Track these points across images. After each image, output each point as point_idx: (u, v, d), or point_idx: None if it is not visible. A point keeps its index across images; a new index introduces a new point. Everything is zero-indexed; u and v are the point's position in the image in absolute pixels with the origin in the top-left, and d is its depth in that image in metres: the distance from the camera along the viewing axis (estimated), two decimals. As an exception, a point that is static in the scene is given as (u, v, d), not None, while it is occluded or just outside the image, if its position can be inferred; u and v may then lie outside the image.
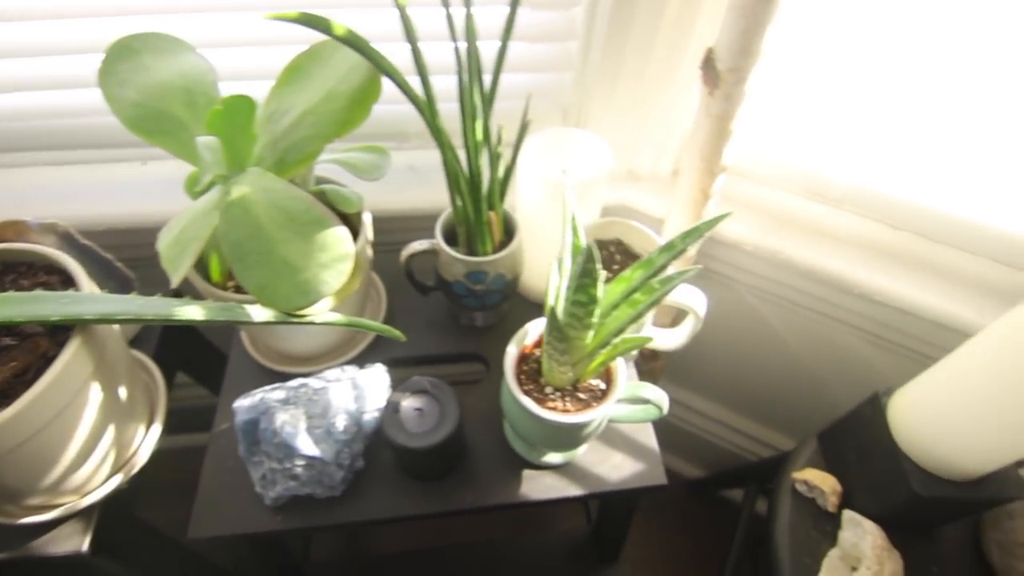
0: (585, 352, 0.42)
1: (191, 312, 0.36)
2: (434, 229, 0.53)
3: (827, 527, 0.55)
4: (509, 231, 0.54)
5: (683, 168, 0.57)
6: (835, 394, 0.79)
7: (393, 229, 0.69)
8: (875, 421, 0.52)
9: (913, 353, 0.66)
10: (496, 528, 1.05)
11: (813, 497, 0.57)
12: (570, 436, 0.46)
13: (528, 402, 0.43)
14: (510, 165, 0.49)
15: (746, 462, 0.98)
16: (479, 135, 0.46)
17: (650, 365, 0.76)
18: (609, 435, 0.55)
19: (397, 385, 0.49)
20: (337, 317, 0.42)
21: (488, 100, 0.46)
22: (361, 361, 0.56)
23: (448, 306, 0.63)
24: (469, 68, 0.44)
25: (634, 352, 0.59)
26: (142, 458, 0.51)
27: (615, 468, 0.53)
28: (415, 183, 0.68)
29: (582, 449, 0.54)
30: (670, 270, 0.40)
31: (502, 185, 0.50)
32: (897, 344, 0.67)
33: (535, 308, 0.63)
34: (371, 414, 0.50)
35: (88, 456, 0.46)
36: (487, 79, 0.46)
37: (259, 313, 0.39)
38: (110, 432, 0.47)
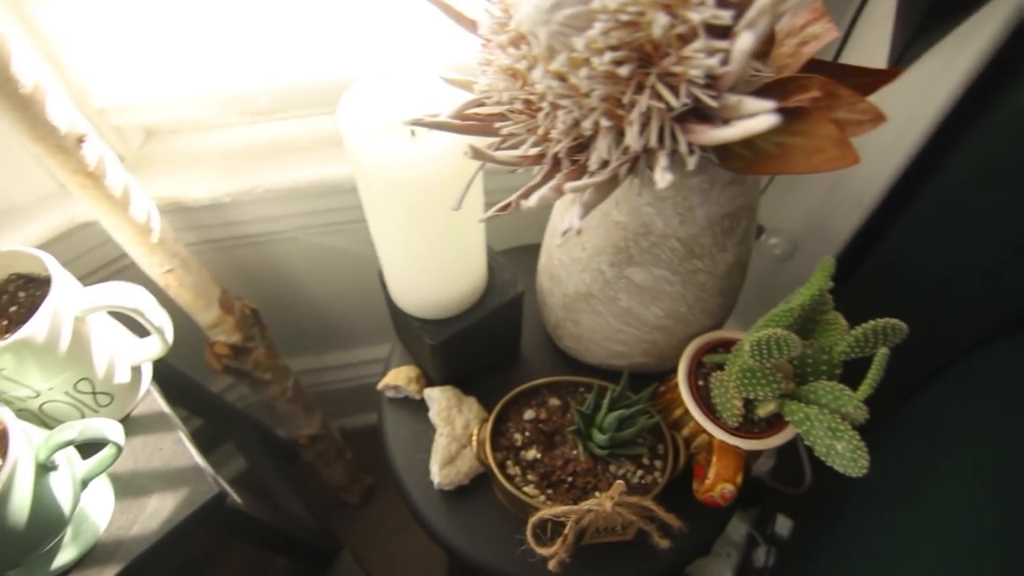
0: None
1: None
2: None
3: (425, 415, 0.54)
4: None
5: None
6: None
7: None
8: (387, 297, 0.50)
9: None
10: None
11: (403, 396, 0.55)
12: (14, 532, 0.35)
13: None
14: None
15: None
16: None
17: (248, 360, 0.67)
18: (135, 483, 0.45)
19: None
20: None
21: None
22: None
23: None
24: None
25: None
26: None
27: (156, 513, 0.44)
28: None
29: (101, 519, 0.43)
30: None
31: None
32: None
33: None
34: None
35: None
36: None
37: None
38: None
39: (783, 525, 0.93)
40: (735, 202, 0.39)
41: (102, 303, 0.42)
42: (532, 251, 0.63)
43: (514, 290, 0.49)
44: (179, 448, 0.47)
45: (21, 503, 0.35)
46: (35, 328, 0.38)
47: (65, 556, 0.41)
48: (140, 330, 0.51)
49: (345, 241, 0.72)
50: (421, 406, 0.54)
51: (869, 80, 0.33)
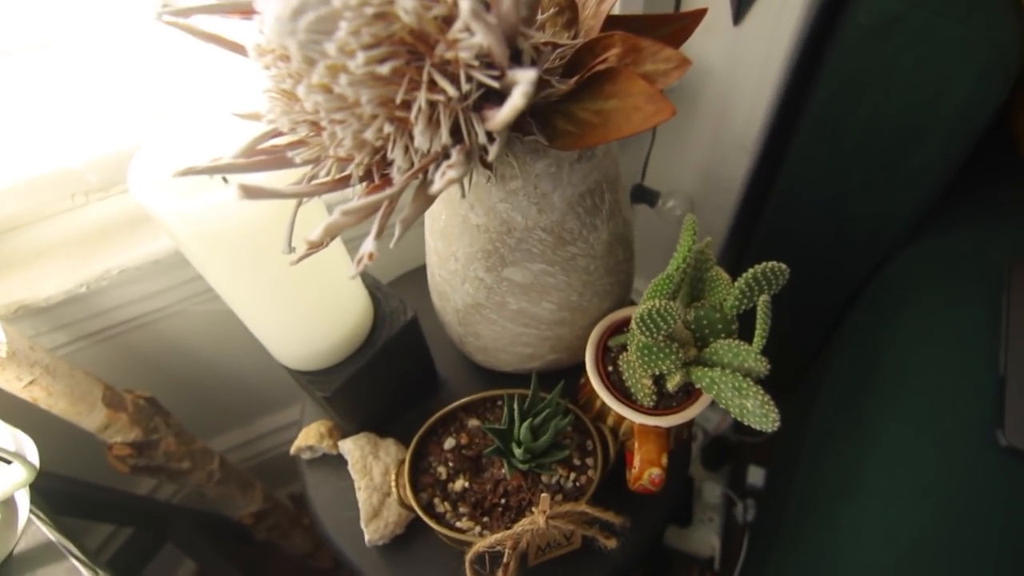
0: None
1: None
2: None
3: (346, 470, 0.50)
4: None
5: None
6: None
7: None
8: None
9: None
10: None
11: (320, 454, 0.51)
12: None
13: None
14: None
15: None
16: None
17: (157, 454, 0.62)
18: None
19: None
20: None
21: None
22: None
23: None
24: None
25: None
26: None
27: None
28: None
29: None
30: None
31: None
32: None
33: None
34: None
35: None
36: None
37: None
38: None
39: (756, 475, 0.93)
40: (590, 178, 0.38)
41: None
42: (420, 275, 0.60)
43: (404, 318, 0.46)
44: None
45: None
46: None
47: None
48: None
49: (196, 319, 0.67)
50: (342, 460, 0.50)
51: (679, 27, 0.31)
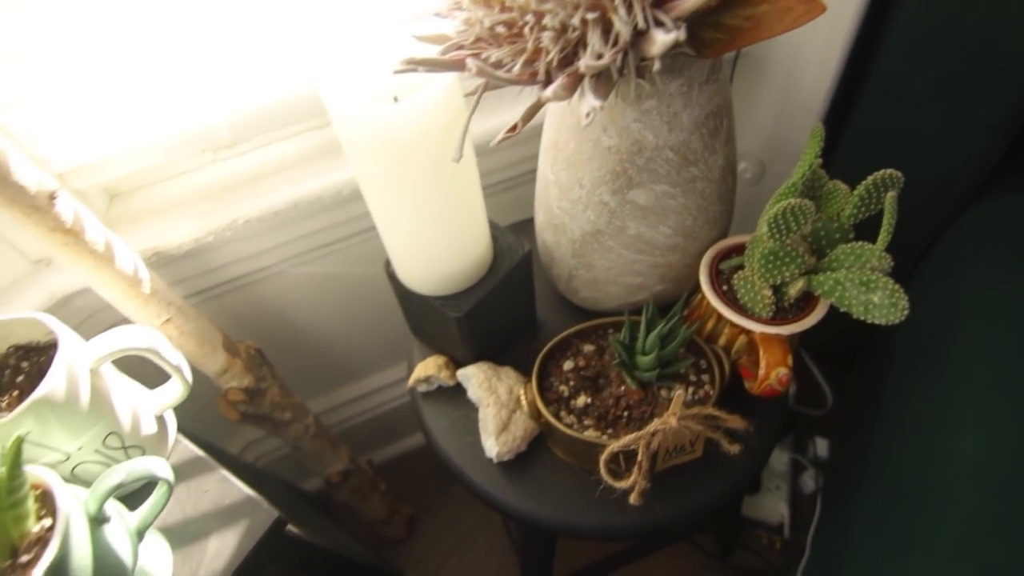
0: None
1: None
2: None
3: (463, 398, 0.53)
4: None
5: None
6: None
7: None
8: (402, 290, 0.50)
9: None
10: None
11: (436, 386, 0.54)
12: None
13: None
14: None
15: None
16: None
17: (264, 402, 0.65)
18: (188, 531, 0.43)
19: None
20: None
21: None
22: None
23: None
24: None
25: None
26: None
27: (219, 553, 0.41)
28: None
29: (163, 571, 0.41)
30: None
31: None
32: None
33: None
34: None
35: None
36: None
37: None
38: None
39: (820, 446, 0.94)
40: (714, 101, 0.41)
41: (115, 348, 0.41)
42: (519, 228, 0.63)
43: (521, 250, 0.50)
44: (225, 485, 0.45)
45: (82, 562, 0.33)
46: (52, 385, 0.37)
47: (133, 620, 0.39)
48: (152, 384, 0.49)
49: (332, 265, 0.71)
50: (455, 392, 0.53)
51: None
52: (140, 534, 0.38)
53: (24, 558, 0.32)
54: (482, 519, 0.99)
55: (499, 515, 0.91)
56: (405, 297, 0.51)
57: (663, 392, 0.46)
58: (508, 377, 0.50)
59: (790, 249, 0.40)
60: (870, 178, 0.39)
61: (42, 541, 0.32)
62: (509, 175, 0.69)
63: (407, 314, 0.55)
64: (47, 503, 0.34)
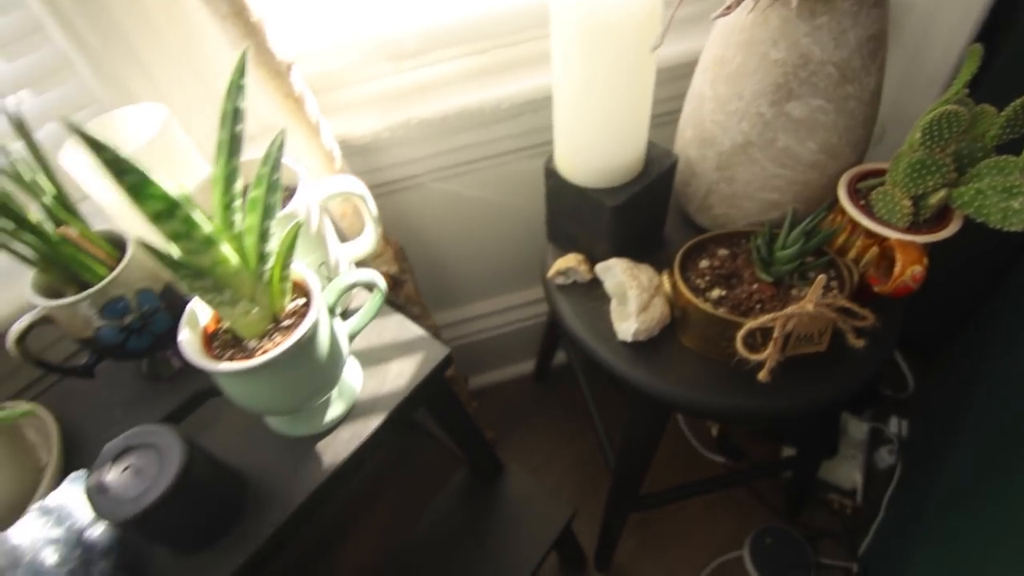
0: (244, 277, 0.37)
1: None
2: (29, 299, 0.42)
3: (597, 291, 0.59)
4: (115, 243, 0.45)
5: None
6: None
7: None
8: (558, 182, 0.56)
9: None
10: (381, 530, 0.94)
11: (572, 280, 0.60)
12: (311, 370, 0.40)
13: (226, 365, 0.36)
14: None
15: (541, 322, 1.02)
16: None
17: (402, 293, 0.73)
18: (373, 356, 0.50)
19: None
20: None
21: None
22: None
23: (142, 373, 0.51)
24: None
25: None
26: None
27: (401, 373, 0.49)
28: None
29: (356, 383, 0.48)
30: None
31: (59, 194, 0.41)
32: (547, 143, 0.74)
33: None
34: (97, 527, 0.38)
35: None
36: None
37: None
38: None
39: (898, 426, 0.96)
40: (876, 24, 0.46)
41: (339, 190, 0.49)
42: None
43: (669, 160, 0.56)
44: (404, 325, 0.52)
45: (323, 337, 0.40)
46: (297, 205, 0.45)
47: (334, 411, 0.46)
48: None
49: (464, 185, 0.78)
50: (589, 287, 0.59)
51: None
52: (352, 337, 0.45)
53: (286, 323, 0.40)
54: (551, 457, 1.04)
55: (571, 451, 0.96)
56: (558, 193, 0.57)
57: (794, 291, 0.51)
58: (647, 270, 0.56)
59: (937, 159, 0.44)
60: (1020, 100, 0.43)
61: (298, 314, 0.40)
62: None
63: (552, 215, 0.62)
64: (298, 289, 0.41)
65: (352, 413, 0.47)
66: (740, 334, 0.47)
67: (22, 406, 0.30)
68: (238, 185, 0.36)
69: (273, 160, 0.37)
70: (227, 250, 0.35)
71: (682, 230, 0.64)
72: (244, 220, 0.37)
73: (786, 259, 0.49)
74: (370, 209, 0.51)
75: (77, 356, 0.55)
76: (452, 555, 0.70)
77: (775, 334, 0.46)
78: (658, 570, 0.91)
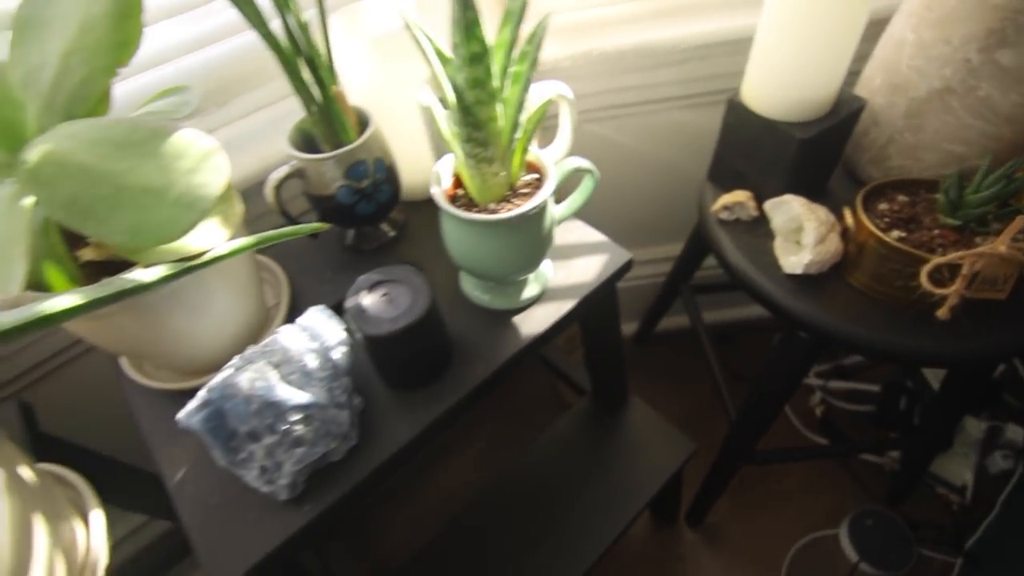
0: (503, 139, 0.41)
1: (65, 301, 0.27)
2: (288, 152, 0.48)
3: (760, 229, 0.61)
4: (359, 117, 0.51)
5: None
6: (692, 170, 0.88)
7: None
8: (742, 116, 0.59)
9: (718, 95, 0.76)
10: (506, 434, 0.98)
11: (736, 217, 0.62)
12: (533, 240, 0.44)
13: (478, 215, 0.40)
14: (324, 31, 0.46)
15: (657, 283, 1.04)
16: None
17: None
18: (560, 252, 0.54)
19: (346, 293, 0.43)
20: (243, 241, 0.35)
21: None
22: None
23: (346, 244, 0.57)
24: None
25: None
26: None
27: (586, 270, 0.52)
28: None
29: (549, 271, 0.52)
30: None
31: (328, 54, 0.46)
32: (705, 94, 0.76)
33: (424, 212, 0.60)
34: (338, 349, 0.43)
35: None
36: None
37: (150, 272, 0.31)
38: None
39: (1015, 432, 0.93)
40: (1113, -25, 0.46)
41: (557, 92, 0.52)
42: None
43: (858, 102, 0.57)
44: (586, 230, 0.56)
45: (548, 212, 0.44)
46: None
47: (530, 291, 0.50)
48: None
49: (613, 130, 0.81)
50: (751, 224, 0.61)
51: None
52: (559, 221, 0.49)
53: (523, 190, 0.44)
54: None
55: (667, 417, 0.97)
56: (739, 127, 0.60)
57: (978, 239, 0.51)
58: (822, 208, 0.57)
59: None
60: None
61: (532, 186, 0.44)
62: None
63: (723, 151, 0.64)
64: (530, 168, 0.46)
65: (544, 296, 0.51)
66: (926, 268, 0.48)
67: (313, 224, 0.35)
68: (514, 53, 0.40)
69: (538, 40, 0.41)
70: (500, 110, 0.39)
71: (844, 183, 0.65)
72: (509, 89, 0.41)
73: (977, 202, 0.50)
74: (570, 113, 0.55)
75: (306, 216, 0.60)
76: (571, 471, 0.73)
77: (964, 271, 0.47)
78: (748, 535, 0.92)
